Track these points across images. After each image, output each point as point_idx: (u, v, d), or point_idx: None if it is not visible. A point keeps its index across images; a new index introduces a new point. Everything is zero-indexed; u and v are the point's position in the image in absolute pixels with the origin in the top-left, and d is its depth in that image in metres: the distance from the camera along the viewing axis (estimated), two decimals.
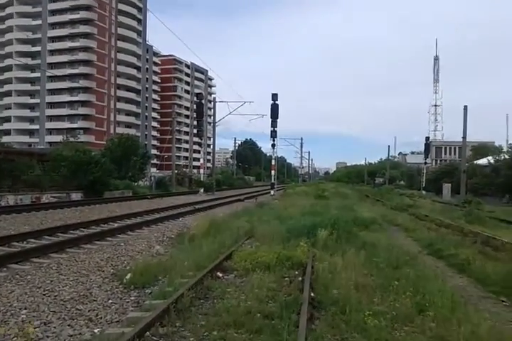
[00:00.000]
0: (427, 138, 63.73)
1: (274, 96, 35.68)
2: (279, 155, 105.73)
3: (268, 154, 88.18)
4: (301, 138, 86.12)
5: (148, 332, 4.65)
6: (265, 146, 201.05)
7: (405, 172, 77.28)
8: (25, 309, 5.64)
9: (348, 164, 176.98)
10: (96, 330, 5.04)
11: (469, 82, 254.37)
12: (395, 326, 5.15)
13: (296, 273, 7.65)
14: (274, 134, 37.22)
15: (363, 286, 6.55)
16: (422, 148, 67.14)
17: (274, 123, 36.54)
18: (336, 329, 4.95)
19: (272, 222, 13.89)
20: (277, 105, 36.00)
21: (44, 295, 6.30)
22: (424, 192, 51.58)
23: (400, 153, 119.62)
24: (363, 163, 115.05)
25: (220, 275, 7.51)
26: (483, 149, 63.30)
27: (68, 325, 5.19)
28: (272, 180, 39.97)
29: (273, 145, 38.22)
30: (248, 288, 6.37)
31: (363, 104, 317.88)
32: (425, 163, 58.90)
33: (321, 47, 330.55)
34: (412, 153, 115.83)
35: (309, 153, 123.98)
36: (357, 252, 8.83)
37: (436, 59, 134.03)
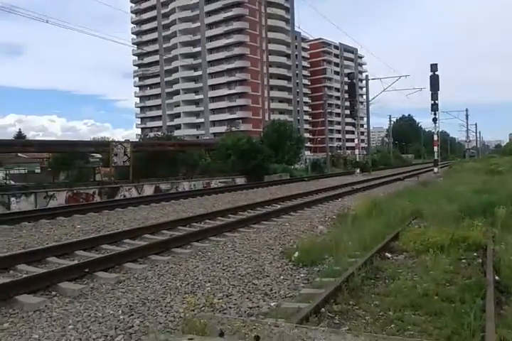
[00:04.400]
0: None
1: (434, 67, 32.91)
2: (441, 130, 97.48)
3: (427, 129, 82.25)
4: (466, 110, 78.01)
5: (323, 308, 4.73)
6: (424, 121, 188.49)
7: None
8: (209, 282, 6.22)
9: None
10: (272, 304, 5.28)
11: None
12: None
13: (475, 254, 7.01)
14: (435, 108, 34.62)
15: None
16: None
17: (434, 96, 33.90)
18: None
19: (440, 200, 12.95)
20: (437, 76, 33.21)
21: (224, 270, 6.88)
22: None
23: None
24: None
25: (389, 255, 7.27)
26: None
27: (247, 298, 5.55)
28: (435, 157, 37.36)
29: (434, 120, 35.61)
30: (422, 270, 6.05)
31: None
32: None
33: (480, 8, 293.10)
34: None
35: (476, 125, 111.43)
36: None
37: None
